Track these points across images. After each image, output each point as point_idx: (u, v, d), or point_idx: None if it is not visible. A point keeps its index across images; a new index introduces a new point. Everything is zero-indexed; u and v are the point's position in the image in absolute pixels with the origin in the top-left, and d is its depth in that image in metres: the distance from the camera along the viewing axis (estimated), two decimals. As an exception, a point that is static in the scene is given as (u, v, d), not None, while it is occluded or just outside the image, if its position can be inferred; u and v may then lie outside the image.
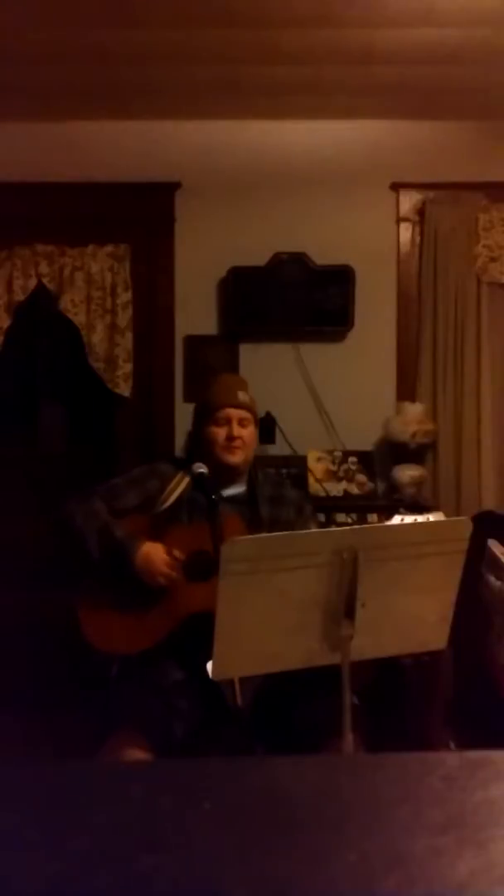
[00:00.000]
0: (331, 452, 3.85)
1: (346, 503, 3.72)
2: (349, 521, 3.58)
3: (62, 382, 4.58)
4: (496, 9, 2.88)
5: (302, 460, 3.80)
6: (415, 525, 2.14)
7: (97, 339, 3.92)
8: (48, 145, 3.91)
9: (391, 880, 0.48)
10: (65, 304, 3.92)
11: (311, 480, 3.75)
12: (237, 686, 2.09)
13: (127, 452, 4.01)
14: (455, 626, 1.88)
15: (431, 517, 2.25)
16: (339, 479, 3.81)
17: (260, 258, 3.88)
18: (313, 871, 0.50)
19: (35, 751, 3.02)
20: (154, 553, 2.32)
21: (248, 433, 2.52)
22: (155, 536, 2.37)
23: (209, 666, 1.87)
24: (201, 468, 2.41)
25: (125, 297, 3.94)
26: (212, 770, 0.66)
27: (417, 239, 3.98)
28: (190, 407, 3.71)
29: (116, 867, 0.50)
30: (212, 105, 3.76)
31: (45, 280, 3.92)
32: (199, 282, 3.98)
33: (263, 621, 1.76)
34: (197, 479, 2.42)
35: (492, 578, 2.72)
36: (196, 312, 3.98)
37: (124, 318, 3.93)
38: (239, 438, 2.47)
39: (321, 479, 3.78)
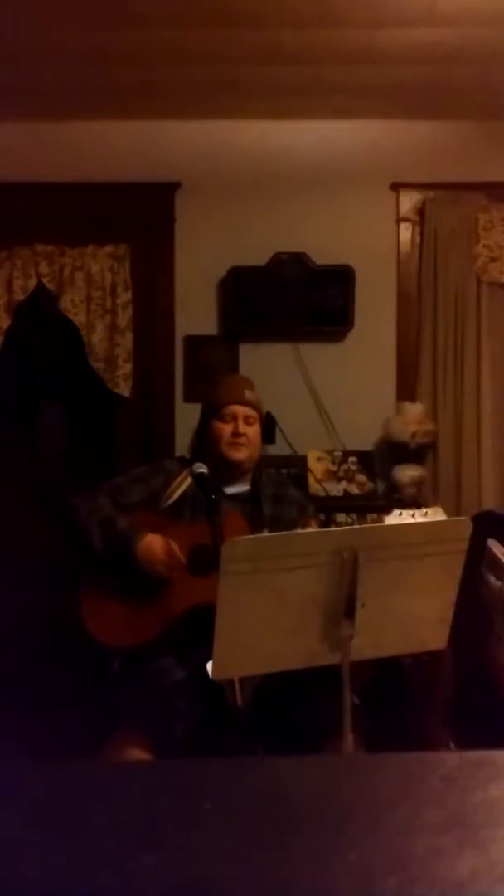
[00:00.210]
0: (331, 452, 3.85)
1: (346, 503, 3.72)
2: (349, 521, 3.59)
3: (62, 382, 4.58)
4: (496, 9, 2.88)
5: (302, 460, 3.80)
6: (415, 525, 2.14)
7: (97, 339, 3.92)
8: (48, 145, 3.91)
9: (391, 880, 0.48)
10: (65, 304, 3.92)
11: (311, 480, 3.75)
12: (237, 686, 2.09)
13: (127, 452, 4.01)
14: (455, 626, 1.88)
15: (429, 511, 2.26)
16: (339, 479, 3.81)
17: (260, 258, 3.88)
18: (313, 871, 0.49)
19: (35, 751, 3.02)
20: (155, 544, 2.34)
21: (254, 431, 2.55)
22: (157, 532, 2.39)
23: (209, 666, 1.87)
24: (201, 468, 2.43)
25: (125, 297, 3.94)
26: (212, 770, 0.66)
27: (417, 239, 3.98)
28: (190, 407, 3.73)
29: (116, 867, 0.50)
30: (212, 105, 3.76)
31: (45, 280, 3.92)
32: (199, 282, 3.98)
33: (263, 621, 1.76)
34: (197, 479, 2.43)
35: (492, 578, 2.72)
36: (196, 312, 3.98)
37: (124, 318, 3.93)
38: (244, 435, 2.51)
39: (321, 479, 3.78)
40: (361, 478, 3.83)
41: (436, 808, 0.56)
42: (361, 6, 2.88)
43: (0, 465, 4.17)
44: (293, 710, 2.19)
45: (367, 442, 3.90)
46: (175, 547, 2.34)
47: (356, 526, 2.28)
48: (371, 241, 3.96)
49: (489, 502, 3.81)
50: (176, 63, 3.33)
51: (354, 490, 3.81)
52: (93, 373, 3.95)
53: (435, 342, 3.90)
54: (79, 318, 3.93)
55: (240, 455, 2.51)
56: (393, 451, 3.85)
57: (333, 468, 3.83)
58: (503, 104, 3.71)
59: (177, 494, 2.50)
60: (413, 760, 0.65)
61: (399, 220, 3.99)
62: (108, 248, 3.95)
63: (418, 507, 2.32)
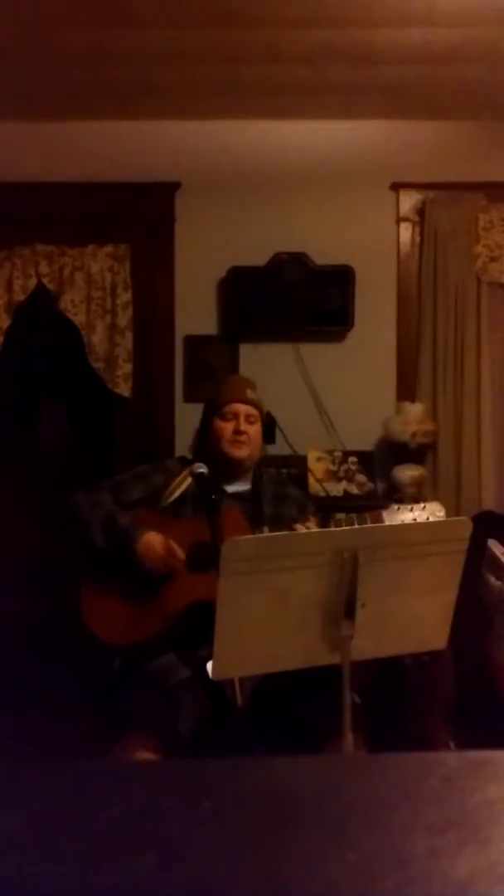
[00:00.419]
0: (331, 452, 3.85)
1: (346, 503, 3.72)
2: (349, 520, 3.58)
3: (62, 382, 4.58)
4: (496, 9, 2.88)
5: (302, 460, 3.80)
6: (415, 525, 2.15)
7: (97, 339, 3.92)
8: (48, 145, 3.91)
9: (391, 880, 0.48)
10: (65, 304, 3.92)
11: (311, 480, 3.75)
12: (237, 686, 2.10)
13: (127, 452, 4.01)
14: (455, 626, 1.88)
15: (427, 506, 2.26)
16: (339, 479, 3.81)
17: (260, 258, 3.87)
18: (313, 871, 0.50)
19: (37, 751, 3.02)
20: (155, 540, 2.36)
21: (255, 430, 2.58)
22: (158, 529, 2.41)
23: (209, 666, 1.87)
24: (201, 468, 2.43)
25: (125, 297, 3.94)
26: (212, 770, 0.66)
27: (417, 239, 3.98)
28: (190, 407, 3.73)
29: (116, 867, 0.50)
30: (212, 105, 3.76)
31: (45, 280, 3.92)
32: (199, 282, 3.98)
33: (263, 621, 1.76)
34: (197, 479, 2.43)
35: (492, 578, 2.72)
36: (196, 312, 3.98)
37: (124, 318, 3.93)
38: (245, 434, 2.54)
39: (321, 479, 3.78)
40: (361, 478, 3.83)
41: (436, 808, 0.56)
42: (361, 6, 2.88)
43: (0, 465, 4.17)
44: (293, 709, 2.20)
45: (367, 442, 3.90)
46: (175, 544, 2.35)
47: (356, 526, 2.27)
48: (371, 241, 3.96)
49: (489, 502, 3.81)
50: (176, 63, 3.33)
51: (354, 490, 3.81)
52: (93, 373, 3.95)
53: (435, 342, 3.90)
54: (79, 318, 3.93)
55: (241, 453, 2.53)
56: (393, 451, 3.85)
57: (333, 468, 3.83)
58: (503, 104, 3.71)
59: (178, 493, 2.52)
60: (413, 760, 0.65)
61: (399, 220, 3.99)
62: (108, 248, 3.95)
63: (417, 502, 2.33)
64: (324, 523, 2.46)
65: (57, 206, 3.88)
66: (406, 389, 3.95)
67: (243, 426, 2.53)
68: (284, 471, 3.65)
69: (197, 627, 2.14)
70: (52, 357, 4.54)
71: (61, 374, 4.54)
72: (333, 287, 3.87)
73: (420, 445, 3.79)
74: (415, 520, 2.26)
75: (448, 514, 2.37)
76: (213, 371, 3.83)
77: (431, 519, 2.26)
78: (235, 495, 2.53)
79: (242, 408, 2.56)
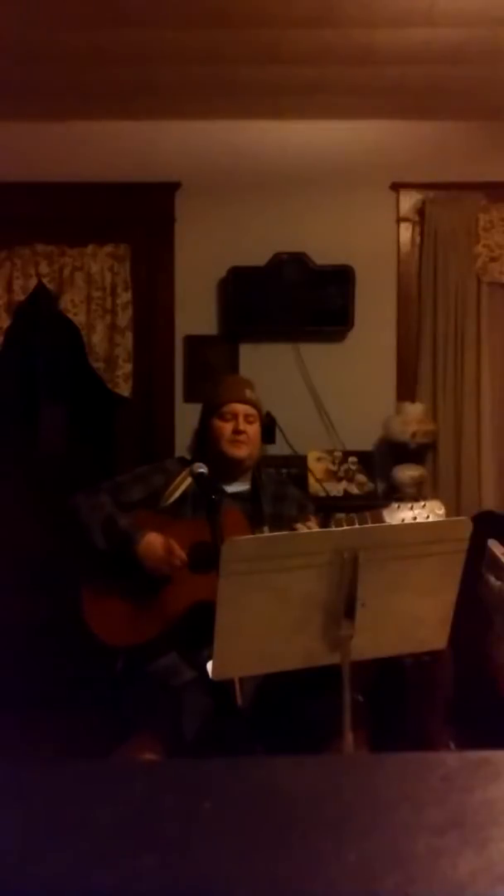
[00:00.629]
0: (331, 452, 3.85)
1: (346, 503, 3.72)
2: (349, 520, 3.57)
3: (62, 382, 4.58)
4: (496, 9, 2.88)
5: (302, 460, 3.80)
6: (415, 525, 2.15)
7: (97, 339, 3.92)
8: (48, 145, 3.91)
9: (391, 880, 0.48)
10: (65, 304, 3.92)
11: (311, 480, 3.75)
12: (237, 686, 2.10)
13: (127, 452, 4.01)
14: (455, 626, 1.88)
15: (427, 504, 2.26)
16: (339, 479, 3.81)
17: (260, 258, 3.87)
18: (313, 871, 0.50)
19: (37, 751, 3.02)
20: (156, 542, 2.36)
21: (254, 430, 2.58)
22: (159, 530, 2.40)
23: (209, 666, 1.87)
24: (201, 468, 2.43)
25: (125, 297, 3.94)
26: (212, 770, 0.66)
27: (417, 239, 3.98)
28: (190, 407, 3.73)
29: (117, 867, 0.50)
30: (212, 105, 3.76)
31: (45, 280, 3.92)
32: (199, 282, 3.98)
33: (263, 621, 1.76)
34: (197, 479, 2.43)
35: (492, 578, 2.72)
36: (196, 312, 3.98)
37: (124, 318, 3.93)
38: (244, 433, 2.54)
39: (321, 479, 3.78)
40: (361, 478, 3.83)
41: (436, 808, 0.56)
42: (361, 6, 2.87)
43: (0, 465, 4.17)
44: (296, 709, 2.20)
45: (367, 442, 3.90)
46: (175, 545, 2.35)
47: (356, 526, 2.27)
48: (371, 241, 3.95)
49: (489, 502, 3.81)
50: (176, 63, 3.33)
51: (354, 490, 3.81)
52: (93, 373, 3.94)
53: (435, 342, 3.90)
54: (79, 318, 3.93)
55: (241, 452, 2.53)
56: (393, 451, 3.85)
57: (333, 468, 3.83)
58: (503, 104, 3.71)
59: (178, 493, 2.52)
60: (413, 760, 0.65)
61: (399, 220, 3.99)
62: (108, 248, 3.95)
63: (416, 500, 2.34)
64: (324, 523, 2.46)
65: (57, 206, 3.88)
66: (406, 389, 3.94)
67: (242, 426, 2.54)
68: (284, 471, 3.65)
69: (199, 628, 2.14)
70: (52, 357, 4.54)
71: (61, 374, 4.54)
72: (333, 287, 3.87)
73: (420, 445, 3.79)
74: (415, 518, 2.26)
75: (448, 514, 2.37)
76: (213, 371, 3.83)
77: (431, 517, 2.26)
78: (235, 495, 2.54)
79: (241, 407, 2.56)
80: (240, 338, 3.98)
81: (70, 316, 3.93)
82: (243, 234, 3.92)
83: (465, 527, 1.84)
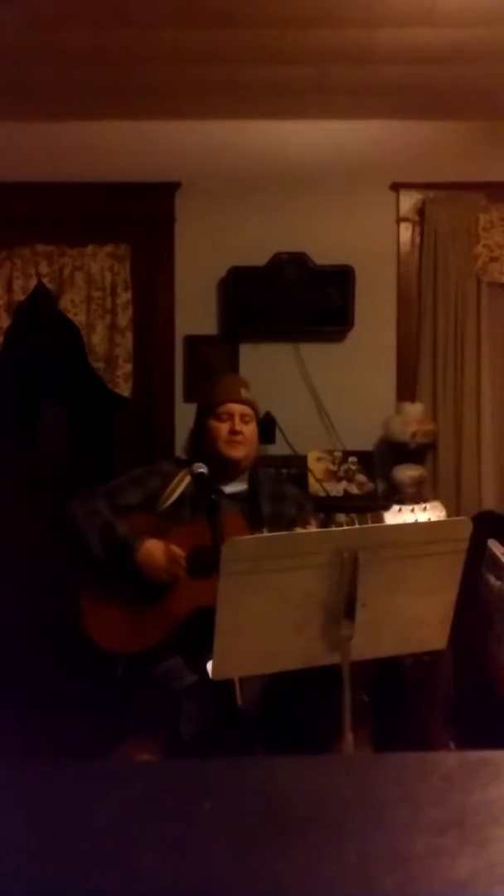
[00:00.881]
0: (331, 452, 3.85)
1: (346, 503, 3.72)
2: (349, 520, 3.57)
3: (62, 382, 4.58)
4: (496, 9, 2.88)
5: (302, 460, 3.80)
6: (415, 525, 2.15)
7: (97, 339, 3.92)
8: (48, 145, 3.91)
9: (391, 880, 0.48)
10: (65, 304, 3.92)
11: (311, 480, 3.75)
12: (237, 686, 2.10)
13: (127, 452, 4.01)
14: (455, 626, 1.88)
15: (428, 506, 2.26)
16: (339, 479, 3.81)
17: (260, 258, 3.87)
18: (313, 871, 0.50)
19: (37, 751, 3.02)
20: (156, 549, 2.34)
21: (250, 430, 2.55)
22: (157, 534, 2.39)
23: (209, 666, 1.87)
24: (201, 468, 2.42)
25: (125, 297, 3.94)
26: (212, 770, 0.66)
27: (417, 239, 3.98)
28: (190, 407, 3.72)
29: (117, 867, 0.50)
30: (212, 105, 3.76)
31: (45, 280, 3.92)
32: (199, 282, 3.98)
33: (263, 621, 1.76)
34: (197, 479, 2.43)
35: (492, 578, 2.73)
36: (196, 312, 3.98)
37: (124, 318, 3.93)
38: (241, 433, 2.51)
39: (321, 479, 3.77)
40: (361, 478, 3.83)
41: (436, 808, 0.56)
42: (362, 6, 2.87)
43: (0, 465, 4.17)
44: (301, 710, 2.19)
45: (367, 442, 3.90)
46: (177, 550, 2.33)
47: (356, 526, 2.27)
48: (371, 241, 3.95)
49: (489, 502, 3.81)
50: (176, 63, 3.33)
51: (354, 490, 3.81)
52: (93, 373, 3.94)
53: (435, 342, 3.90)
54: (79, 318, 3.93)
55: (238, 453, 2.51)
56: (393, 451, 3.85)
57: (333, 468, 3.82)
58: (503, 104, 3.71)
59: (175, 495, 2.49)
60: (413, 760, 0.65)
61: (399, 220, 3.99)
62: (108, 248, 3.95)
63: (417, 502, 2.33)
64: (325, 525, 2.46)
65: (57, 206, 3.88)
66: (406, 389, 3.94)
67: (238, 426, 2.51)
68: (284, 471, 3.65)
69: (200, 635, 2.12)
70: (52, 357, 4.53)
71: (61, 374, 4.54)
72: (333, 287, 3.87)
73: (420, 445, 3.79)
74: (416, 521, 2.26)
75: (448, 514, 2.37)
76: (213, 371, 3.83)
77: (432, 519, 2.26)
78: (232, 496, 2.51)
79: (237, 408, 2.53)
80: (240, 338, 3.98)
81: (70, 316, 3.93)
82: (243, 234, 3.92)
83: (465, 527, 1.84)
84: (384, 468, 3.86)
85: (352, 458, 3.85)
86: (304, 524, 2.41)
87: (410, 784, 0.61)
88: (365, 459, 3.86)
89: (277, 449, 3.79)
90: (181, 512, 2.48)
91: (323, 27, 3.02)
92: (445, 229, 3.91)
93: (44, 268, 3.92)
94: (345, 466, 3.83)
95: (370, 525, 2.26)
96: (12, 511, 3.94)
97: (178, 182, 3.94)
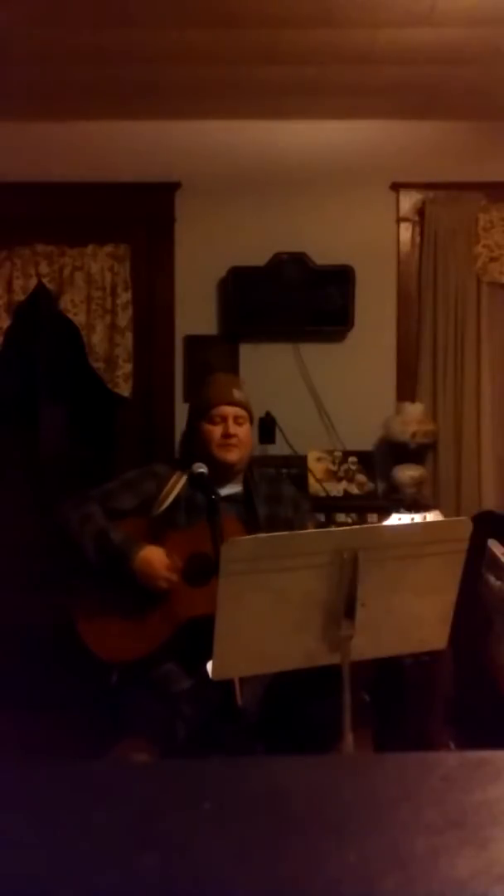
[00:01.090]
0: (331, 452, 3.85)
1: (346, 503, 3.72)
2: (349, 521, 3.58)
3: (62, 383, 4.58)
4: (496, 9, 2.88)
5: (302, 460, 3.80)
6: (415, 525, 2.15)
7: (97, 339, 3.92)
8: (48, 145, 3.91)
9: (391, 880, 0.48)
10: (65, 304, 3.92)
11: (311, 480, 3.75)
12: (237, 686, 2.09)
13: (127, 452, 4.01)
14: (455, 626, 1.88)
15: (429, 516, 2.26)
16: (339, 479, 3.81)
17: (260, 258, 3.87)
18: (313, 871, 0.50)
19: (35, 752, 3.02)
20: (153, 556, 2.30)
21: (244, 431, 2.51)
22: (153, 540, 2.36)
23: (209, 666, 1.87)
24: (201, 468, 2.41)
25: (125, 297, 3.94)
26: (212, 770, 0.66)
27: (417, 239, 3.98)
28: (190, 407, 3.73)
29: (117, 867, 0.50)
30: (212, 105, 3.76)
31: (45, 280, 3.92)
32: (199, 282, 3.98)
33: (263, 621, 1.76)
34: (196, 479, 2.41)
35: (492, 578, 2.72)
36: (196, 312, 3.98)
37: (124, 318, 3.93)
38: (235, 436, 2.47)
39: (321, 479, 3.77)
40: (361, 478, 3.83)
41: (436, 808, 0.56)
42: (362, 6, 2.87)
43: (0, 465, 4.17)
44: (304, 709, 2.18)
45: (367, 442, 3.90)
46: (175, 558, 2.31)
47: (356, 526, 2.27)
48: (371, 241, 3.95)
49: (489, 502, 3.81)
50: (176, 63, 3.33)
51: (354, 490, 3.81)
52: (93, 373, 3.94)
53: (435, 342, 3.90)
54: (79, 318, 3.93)
55: (232, 456, 2.46)
56: (393, 451, 3.85)
57: (333, 468, 3.82)
58: (503, 104, 3.71)
59: (170, 499, 2.44)
60: (413, 760, 0.65)
61: (399, 220, 3.99)
62: (108, 248, 3.95)
63: (417, 510, 2.32)
64: (325, 526, 2.45)
65: (57, 206, 3.88)
66: (406, 389, 3.95)
67: (232, 429, 2.46)
68: (284, 471, 3.65)
69: (197, 643, 2.10)
70: (52, 357, 4.53)
71: (61, 374, 4.54)
72: (333, 287, 3.87)
73: (420, 445, 3.79)
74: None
75: (448, 515, 2.37)
76: (212, 371, 3.82)
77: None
78: (227, 498, 2.47)
79: (230, 410, 2.48)
80: (240, 338, 3.98)
81: (70, 316, 3.93)
82: (243, 234, 3.92)
83: (465, 527, 1.84)
84: (384, 468, 3.86)
85: (352, 459, 3.85)
86: (302, 528, 2.38)
87: (410, 784, 0.61)
88: (365, 459, 3.86)
89: (277, 449, 3.79)
90: (176, 516, 2.44)
91: (323, 27, 3.02)
92: (445, 229, 3.91)
93: (44, 268, 3.92)
94: (345, 466, 3.83)
95: (370, 525, 2.26)
96: (12, 511, 3.94)
97: (177, 182, 3.94)
